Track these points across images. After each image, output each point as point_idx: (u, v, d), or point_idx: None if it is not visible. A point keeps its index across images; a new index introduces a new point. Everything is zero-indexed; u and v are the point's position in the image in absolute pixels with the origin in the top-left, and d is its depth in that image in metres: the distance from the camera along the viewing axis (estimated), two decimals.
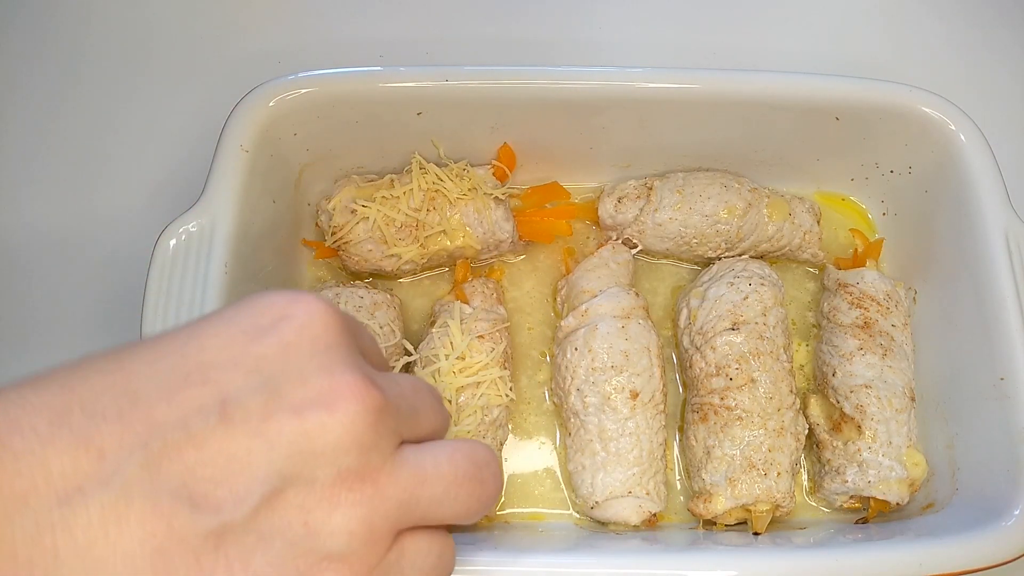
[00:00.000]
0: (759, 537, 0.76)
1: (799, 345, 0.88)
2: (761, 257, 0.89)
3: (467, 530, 0.77)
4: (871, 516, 0.79)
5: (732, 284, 0.82)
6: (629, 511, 0.76)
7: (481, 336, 0.80)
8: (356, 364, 0.41)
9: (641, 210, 0.86)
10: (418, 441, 0.45)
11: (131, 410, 0.37)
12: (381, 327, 0.80)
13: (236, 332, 0.41)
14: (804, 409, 0.82)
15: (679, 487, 0.83)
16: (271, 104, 0.77)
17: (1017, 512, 0.67)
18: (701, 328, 0.81)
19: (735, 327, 0.80)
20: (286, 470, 0.38)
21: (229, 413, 0.38)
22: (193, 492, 0.37)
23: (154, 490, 0.36)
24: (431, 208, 0.83)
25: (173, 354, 0.40)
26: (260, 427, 0.38)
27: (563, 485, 0.82)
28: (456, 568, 0.63)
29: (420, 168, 0.85)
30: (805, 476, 0.83)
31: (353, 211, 0.83)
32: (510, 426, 0.83)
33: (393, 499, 0.41)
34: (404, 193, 0.83)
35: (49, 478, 0.35)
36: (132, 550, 0.35)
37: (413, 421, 0.44)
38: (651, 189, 0.87)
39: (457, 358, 0.79)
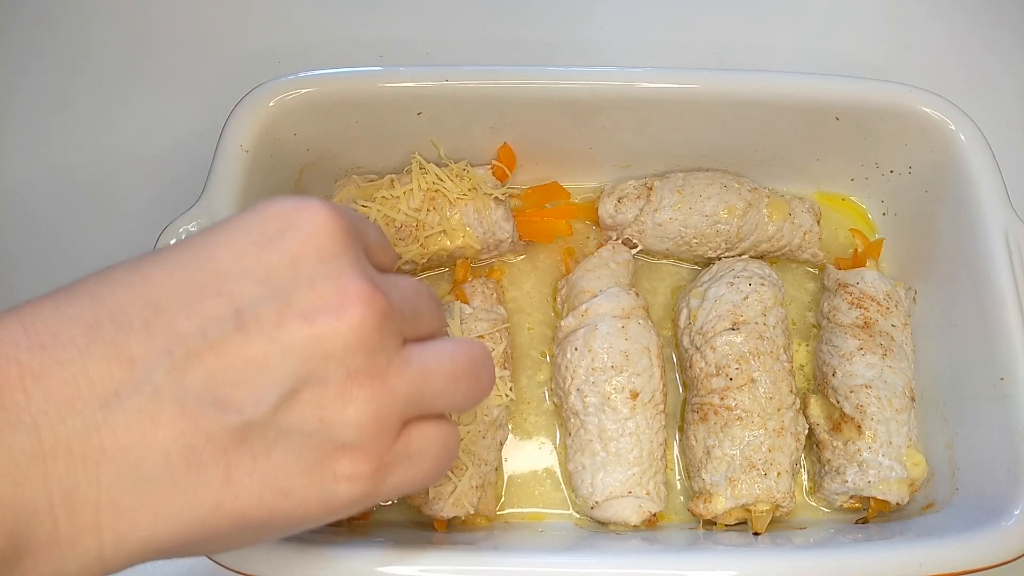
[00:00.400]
0: (759, 537, 0.76)
1: (799, 345, 0.88)
2: (761, 257, 0.89)
3: (467, 530, 0.77)
4: (871, 516, 0.79)
5: (732, 284, 0.82)
6: (629, 511, 0.76)
7: (481, 336, 0.80)
8: (361, 270, 0.44)
9: (641, 210, 0.86)
10: (419, 339, 0.48)
11: (155, 321, 0.40)
12: None
13: (246, 242, 0.43)
14: (804, 409, 0.82)
15: (679, 487, 0.83)
16: (271, 104, 0.77)
17: (1017, 512, 0.67)
18: (701, 328, 0.81)
19: (735, 327, 0.80)
20: (300, 372, 0.41)
21: (244, 322, 0.41)
22: (216, 395, 0.40)
23: (181, 394, 0.40)
24: (431, 208, 0.83)
25: (189, 265, 0.43)
26: (273, 333, 0.41)
27: (563, 485, 0.82)
28: (456, 568, 0.64)
29: (420, 168, 0.85)
30: (805, 476, 0.83)
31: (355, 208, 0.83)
32: (510, 426, 0.83)
33: (400, 393, 0.44)
34: (404, 193, 0.83)
35: (91, 385, 0.39)
36: (167, 447, 0.39)
37: (415, 322, 0.48)
38: (651, 189, 0.87)
39: None
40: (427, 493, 0.75)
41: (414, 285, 0.49)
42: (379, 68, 0.81)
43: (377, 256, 0.49)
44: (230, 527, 0.42)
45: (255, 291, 0.42)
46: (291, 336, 0.41)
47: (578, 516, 0.81)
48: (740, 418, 0.77)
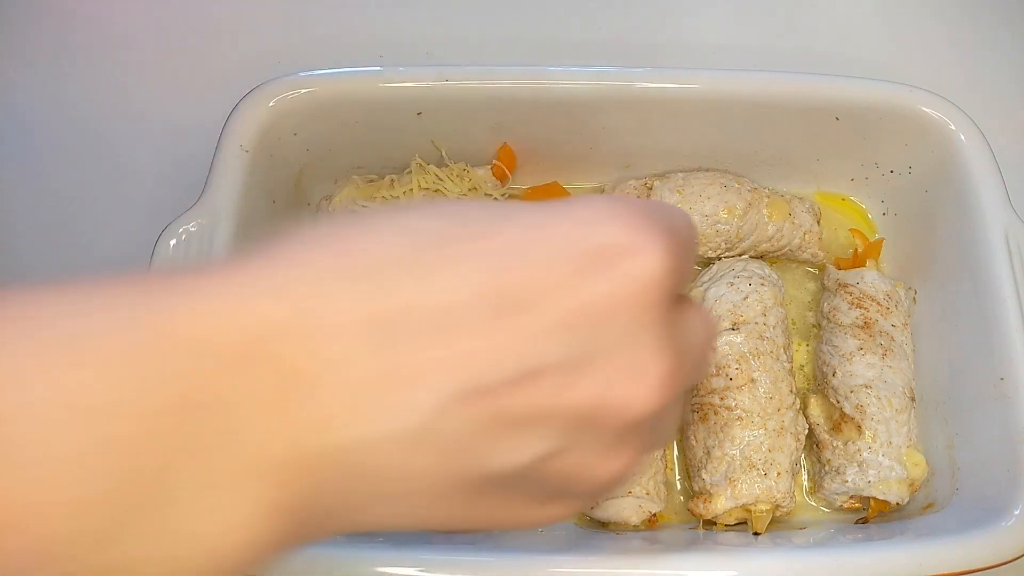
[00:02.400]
0: (759, 537, 0.76)
1: (799, 345, 0.88)
2: (761, 257, 0.89)
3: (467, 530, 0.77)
4: (871, 516, 0.79)
5: (732, 284, 0.82)
6: (629, 511, 0.76)
7: None
8: (669, 342, 0.38)
9: None
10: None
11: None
12: None
13: (563, 258, 0.35)
14: (804, 409, 0.82)
15: (679, 487, 0.83)
16: (271, 104, 0.77)
17: (1017, 512, 0.67)
18: None
19: (735, 327, 0.80)
20: (563, 439, 0.37)
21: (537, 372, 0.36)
22: (476, 437, 0.36)
23: (456, 425, 0.35)
24: None
25: (481, 260, 0.35)
26: (558, 394, 0.36)
27: None
28: (456, 568, 0.63)
29: (420, 168, 0.85)
30: (805, 476, 0.83)
31: (353, 212, 0.83)
32: None
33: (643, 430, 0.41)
34: (404, 193, 0.83)
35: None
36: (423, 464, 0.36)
37: (695, 375, 0.44)
38: (651, 189, 0.87)
39: None
40: None
41: (707, 329, 0.43)
42: (379, 68, 0.81)
43: (684, 284, 0.42)
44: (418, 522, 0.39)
45: (556, 339, 0.36)
46: (571, 403, 0.36)
47: (578, 516, 0.81)
48: (740, 418, 0.77)
